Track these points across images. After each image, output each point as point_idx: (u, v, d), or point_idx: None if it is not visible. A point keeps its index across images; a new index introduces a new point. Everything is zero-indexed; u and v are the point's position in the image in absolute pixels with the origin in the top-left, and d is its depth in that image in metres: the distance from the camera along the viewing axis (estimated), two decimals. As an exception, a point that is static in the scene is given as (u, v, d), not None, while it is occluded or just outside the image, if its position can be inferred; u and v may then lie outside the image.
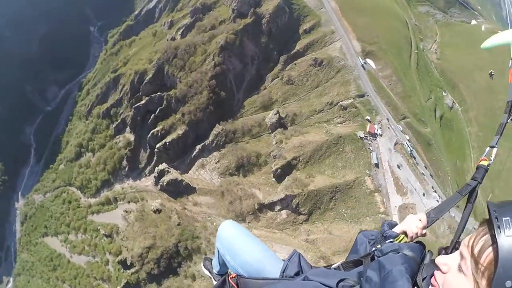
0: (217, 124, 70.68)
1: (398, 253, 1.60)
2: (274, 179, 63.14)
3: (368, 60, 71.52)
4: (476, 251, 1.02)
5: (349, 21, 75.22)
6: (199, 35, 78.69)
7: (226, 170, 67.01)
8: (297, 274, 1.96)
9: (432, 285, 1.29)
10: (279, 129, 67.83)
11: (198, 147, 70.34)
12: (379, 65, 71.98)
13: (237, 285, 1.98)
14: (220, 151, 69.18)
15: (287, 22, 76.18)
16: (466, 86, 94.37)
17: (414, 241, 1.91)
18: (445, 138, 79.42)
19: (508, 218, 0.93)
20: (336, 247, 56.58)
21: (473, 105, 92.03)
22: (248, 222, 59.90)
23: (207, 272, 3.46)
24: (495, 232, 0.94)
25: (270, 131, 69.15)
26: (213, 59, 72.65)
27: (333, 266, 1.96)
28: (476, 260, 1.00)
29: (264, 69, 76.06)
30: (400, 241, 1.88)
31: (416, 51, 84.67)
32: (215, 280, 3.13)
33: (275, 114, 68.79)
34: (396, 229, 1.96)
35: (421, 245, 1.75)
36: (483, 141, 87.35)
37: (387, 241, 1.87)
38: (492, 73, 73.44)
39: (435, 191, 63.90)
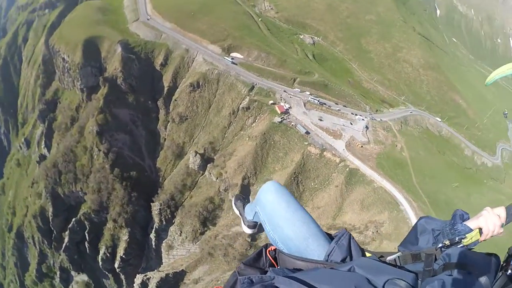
0: (151, 204, 65.17)
1: (469, 273, 1.33)
2: (240, 208, 62.07)
3: (233, 54, 72.55)
4: None
5: (193, 31, 74.22)
6: (67, 137, 68.90)
7: (195, 233, 63.30)
8: (343, 260, 1.73)
9: None
10: (208, 165, 65.84)
11: (152, 235, 64.36)
12: (244, 52, 73.86)
13: (274, 259, 1.82)
14: (173, 223, 64.60)
15: (140, 67, 71.48)
16: (312, 18, 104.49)
17: (487, 238, 1.65)
18: (328, 70, 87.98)
19: None
20: (330, 213, 59.73)
21: (327, 29, 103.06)
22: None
23: (237, 212, 3.27)
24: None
25: (201, 172, 66.72)
26: (99, 150, 65.10)
27: (389, 258, 1.76)
28: None
29: (151, 124, 71.49)
30: (472, 239, 1.61)
31: (260, 19, 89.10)
32: (244, 225, 3.02)
33: (194, 155, 66.25)
34: (470, 224, 1.68)
35: (497, 259, 1.45)
36: (353, 52, 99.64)
37: (457, 238, 1.59)
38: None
39: (356, 114, 71.63)
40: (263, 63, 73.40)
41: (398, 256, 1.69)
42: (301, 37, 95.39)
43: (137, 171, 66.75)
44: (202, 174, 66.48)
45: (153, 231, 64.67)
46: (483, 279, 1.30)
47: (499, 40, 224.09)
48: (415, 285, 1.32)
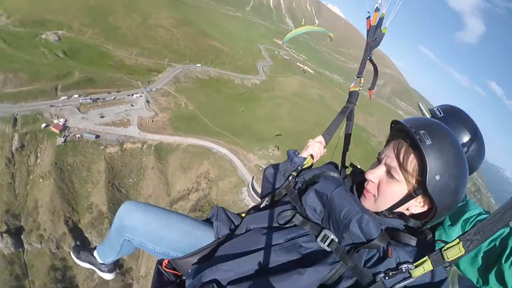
0: None
1: (325, 177, 1.59)
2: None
3: None
4: (402, 159, 1.27)
5: None
6: None
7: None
8: (232, 229, 1.70)
9: (365, 196, 1.40)
10: (22, 236, 55.27)
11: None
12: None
13: (174, 269, 1.65)
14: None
15: None
16: (51, 11, 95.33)
17: (317, 160, 2.00)
18: (85, 62, 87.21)
19: (424, 131, 1.21)
20: (163, 193, 65.86)
21: (70, 18, 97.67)
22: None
23: (87, 264, 2.54)
24: (419, 142, 1.19)
25: (21, 250, 54.99)
26: None
27: (261, 206, 1.81)
28: (405, 167, 1.26)
29: None
30: (308, 163, 1.88)
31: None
32: (103, 271, 2.50)
33: (1, 239, 56.30)
34: (303, 155, 1.93)
35: (333, 163, 1.82)
36: (104, 34, 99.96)
37: (299, 167, 1.83)
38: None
39: (132, 94, 76.57)
40: (14, 85, 65.41)
41: (268, 200, 1.80)
42: (43, 36, 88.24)
43: None
44: (24, 251, 55.80)
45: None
46: (335, 174, 1.63)
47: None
48: (296, 208, 1.51)
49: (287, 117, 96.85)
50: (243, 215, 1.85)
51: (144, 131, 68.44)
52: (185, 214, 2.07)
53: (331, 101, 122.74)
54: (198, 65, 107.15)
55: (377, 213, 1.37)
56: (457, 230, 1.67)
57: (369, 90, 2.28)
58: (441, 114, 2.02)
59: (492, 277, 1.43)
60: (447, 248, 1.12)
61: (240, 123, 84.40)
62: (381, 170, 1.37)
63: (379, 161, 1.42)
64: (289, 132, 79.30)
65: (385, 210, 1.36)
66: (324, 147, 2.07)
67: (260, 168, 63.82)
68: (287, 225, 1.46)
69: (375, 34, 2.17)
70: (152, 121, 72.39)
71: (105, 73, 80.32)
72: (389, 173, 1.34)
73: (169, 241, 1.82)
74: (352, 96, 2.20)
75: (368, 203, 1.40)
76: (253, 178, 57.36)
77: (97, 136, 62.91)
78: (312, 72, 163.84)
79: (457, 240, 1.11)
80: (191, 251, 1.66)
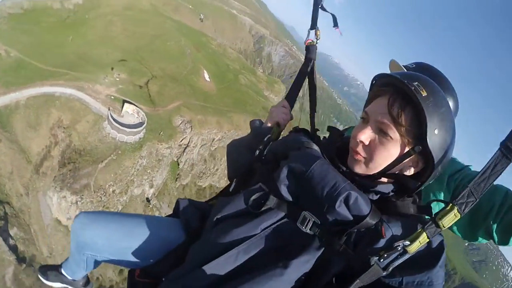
0: None
1: (299, 148, 1.32)
2: None
3: None
4: (396, 114, 1.11)
5: None
6: None
7: None
8: (202, 219, 1.47)
9: (355, 160, 1.20)
10: None
11: None
12: None
13: (148, 277, 1.49)
14: None
15: None
16: None
17: (285, 128, 1.74)
18: None
19: (417, 82, 1.07)
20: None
21: None
22: None
23: (58, 284, 2.52)
24: (415, 94, 1.05)
25: None
26: None
27: (231, 189, 1.56)
28: (399, 123, 1.10)
29: None
30: (273, 132, 1.62)
31: None
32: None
33: None
34: (268, 124, 1.71)
35: (304, 129, 1.56)
36: None
37: (265, 139, 1.54)
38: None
39: None
40: None
41: (236, 182, 1.57)
42: None
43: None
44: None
45: None
46: (312, 145, 1.35)
47: None
48: (268, 189, 1.27)
49: (123, 34, 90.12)
50: (211, 202, 1.64)
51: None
52: (144, 214, 1.82)
53: (165, 8, 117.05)
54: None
55: (368, 177, 1.19)
56: (443, 189, 1.59)
57: (335, 28, 1.94)
58: (413, 66, 1.94)
59: (480, 233, 1.45)
60: (442, 216, 1.02)
61: (74, 54, 73.44)
62: (371, 129, 1.18)
63: (365, 120, 1.23)
64: (130, 51, 76.87)
65: (377, 173, 1.17)
66: (290, 112, 1.83)
67: (112, 97, 60.75)
68: (261, 211, 1.21)
69: None
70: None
71: None
72: (381, 131, 1.15)
73: (134, 250, 1.53)
74: (310, 51, 1.89)
75: (359, 167, 1.19)
76: (109, 109, 56.99)
77: None
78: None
79: (451, 204, 1.02)
80: (161, 255, 1.46)
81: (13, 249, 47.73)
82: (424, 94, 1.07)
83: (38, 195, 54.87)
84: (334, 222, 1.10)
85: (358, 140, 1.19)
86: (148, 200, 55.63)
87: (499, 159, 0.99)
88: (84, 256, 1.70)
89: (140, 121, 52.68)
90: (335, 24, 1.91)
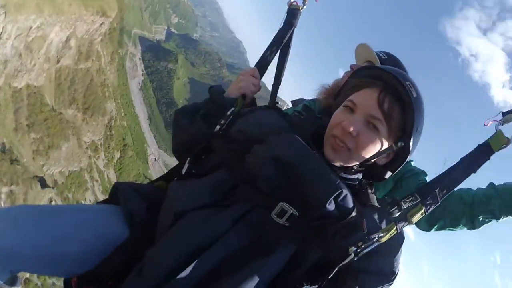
0: None
1: (278, 133, 1.12)
2: None
3: None
4: (387, 110, 1.10)
5: None
6: None
7: None
8: (150, 209, 1.20)
9: (336, 150, 1.11)
10: None
11: None
12: None
13: (89, 284, 1.13)
14: None
15: None
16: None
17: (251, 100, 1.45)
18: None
19: (408, 82, 1.08)
20: None
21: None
22: None
23: None
24: (407, 94, 1.06)
25: None
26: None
27: (184, 171, 1.28)
28: (389, 118, 1.09)
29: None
30: (237, 105, 1.33)
31: None
32: None
33: None
34: (232, 95, 1.41)
35: (274, 106, 1.43)
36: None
37: (228, 112, 1.29)
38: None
39: None
40: None
41: (190, 161, 1.29)
42: None
43: None
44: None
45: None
46: (288, 128, 1.20)
47: None
48: (237, 175, 1.09)
49: None
50: (158, 184, 1.38)
51: None
52: (74, 205, 1.62)
53: None
54: None
55: (345, 168, 1.13)
56: (382, 184, 1.63)
57: None
58: (385, 57, 1.91)
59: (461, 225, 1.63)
60: (413, 214, 1.09)
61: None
62: (360, 120, 1.11)
63: (351, 110, 1.15)
64: None
65: (356, 164, 1.14)
66: (259, 83, 1.53)
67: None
68: (229, 200, 1.06)
69: None
70: None
71: None
72: (370, 124, 1.11)
73: (71, 257, 1.13)
74: (293, 15, 1.60)
75: (341, 157, 1.12)
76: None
77: None
78: None
79: (420, 205, 1.10)
80: (101, 257, 1.11)
81: None
82: (415, 95, 1.08)
83: None
84: (317, 217, 1.00)
85: (347, 130, 1.10)
86: None
87: (460, 167, 1.09)
88: (7, 272, 1.13)
89: None
90: None
